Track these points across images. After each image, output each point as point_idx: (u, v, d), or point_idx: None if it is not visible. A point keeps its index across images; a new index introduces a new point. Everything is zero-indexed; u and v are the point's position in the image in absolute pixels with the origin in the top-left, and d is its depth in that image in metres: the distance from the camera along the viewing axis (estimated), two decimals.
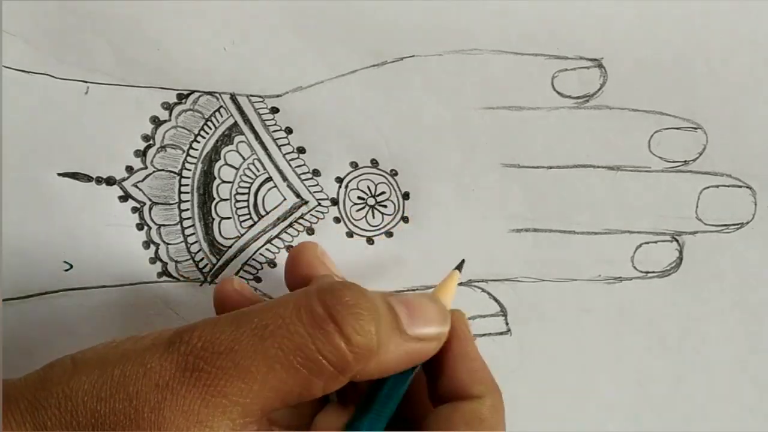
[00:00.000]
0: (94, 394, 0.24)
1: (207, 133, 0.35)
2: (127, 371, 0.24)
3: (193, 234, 0.36)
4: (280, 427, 0.28)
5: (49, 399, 0.25)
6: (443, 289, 0.31)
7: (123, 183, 0.35)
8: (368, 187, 0.36)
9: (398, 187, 0.36)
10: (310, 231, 0.36)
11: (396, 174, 0.36)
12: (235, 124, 0.35)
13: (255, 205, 0.36)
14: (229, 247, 0.36)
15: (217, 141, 0.35)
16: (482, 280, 0.37)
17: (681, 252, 0.36)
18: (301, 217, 0.36)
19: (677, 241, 0.36)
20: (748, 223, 0.36)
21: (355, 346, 0.25)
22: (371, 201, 0.36)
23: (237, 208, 0.36)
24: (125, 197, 0.35)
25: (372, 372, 0.26)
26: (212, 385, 0.24)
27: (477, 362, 0.29)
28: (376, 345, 0.26)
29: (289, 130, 0.36)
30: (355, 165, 0.36)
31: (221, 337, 0.25)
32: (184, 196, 0.36)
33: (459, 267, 0.33)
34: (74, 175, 0.35)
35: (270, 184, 0.36)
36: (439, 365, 0.29)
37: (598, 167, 0.36)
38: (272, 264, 0.36)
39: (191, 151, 0.35)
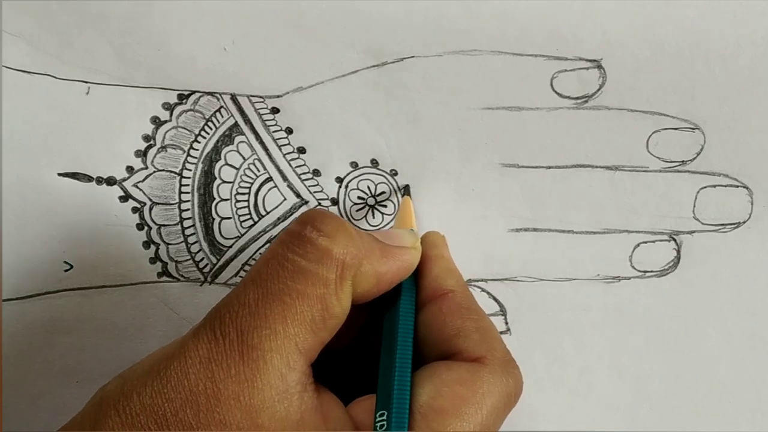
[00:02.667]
0: (147, 392, 0.25)
1: (207, 134, 0.35)
2: (171, 363, 0.25)
3: (194, 234, 0.36)
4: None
5: (107, 417, 0.25)
6: (401, 218, 0.34)
7: (123, 183, 0.35)
8: (368, 187, 0.36)
9: (398, 187, 0.36)
10: None
11: (396, 174, 0.36)
12: (236, 124, 0.35)
13: (255, 205, 0.36)
14: (230, 247, 0.36)
15: (217, 141, 0.35)
16: (482, 280, 0.37)
17: (679, 251, 0.37)
18: None
19: (675, 240, 0.37)
20: (744, 222, 0.36)
21: (336, 239, 0.27)
22: (371, 201, 0.36)
23: (237, 208, 0.36)
24: (125, 197, 0.35)
25: (369, 279, 0.28)
26: (243, 343, 0.25)
27: (450, 263, 0.32)
28: (358, 238, 0.28)
29: (289, 131, 0.36)
30: (355, 165, 0.36)
31: (236, 299, 0.26)
32: (184, 196, 0.36)
33: (407, 192, 0.35)
34: (74, 175, 0.35)
35: (270, 184, 0.36)
36: (420, 274, 0.32)
37: (597, 167, 0.36)
38: None
39: (192, 152, 0.35)
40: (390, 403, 0.26)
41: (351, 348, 0.31)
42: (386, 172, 0.36)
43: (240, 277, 0.36)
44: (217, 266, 0.36)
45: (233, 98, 0.35)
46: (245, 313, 0.26)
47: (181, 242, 0.36)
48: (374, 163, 0.36)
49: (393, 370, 0.28)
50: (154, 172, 0.35)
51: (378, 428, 0.26)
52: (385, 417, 0.26)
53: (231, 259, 0.36)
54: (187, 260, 0.36)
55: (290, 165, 0.36)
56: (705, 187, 0.36)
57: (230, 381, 0.25)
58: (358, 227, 0.36)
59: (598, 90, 0.35)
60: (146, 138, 0.35)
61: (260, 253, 0.36)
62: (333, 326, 0.27)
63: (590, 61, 0.34)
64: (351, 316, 0.28)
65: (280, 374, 0.25)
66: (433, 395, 0.27)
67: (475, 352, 0.29)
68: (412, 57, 0.35)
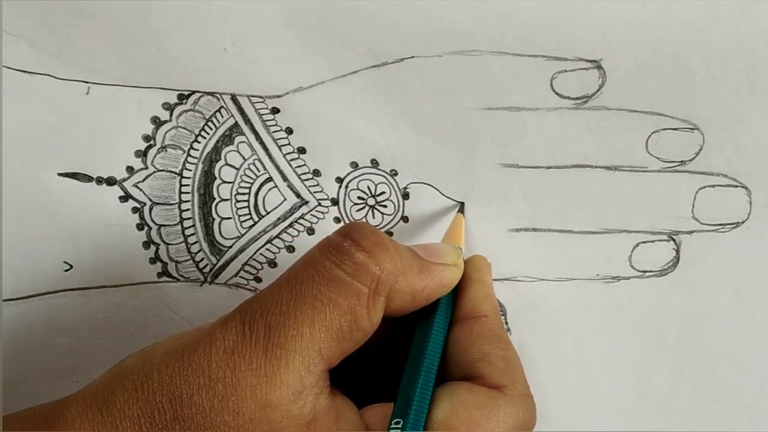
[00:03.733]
0: (168, 372, 0.26)
1: (208, 134, 0.35)
2: (197, 349, 0.26)
3: (194, 234, 0.36)
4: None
5: (123, 389, 0.26)
6: (451, 234, 0.34)
7: (123, 183, 0.35)
8: (368, 187, 0.36)
9: (398, 187, 0.36)
10: (311, 231, 0.36)
11: (396, 174, 0.36)
12: (236, 124, 0.35)
13: (255, 205, 0.36)
14: (230, 247, 0.36)
15: (217, 141, 0.35)
16: None
17: (678, 251, 0.37)
18: (301, 217, 0.36)
19: (674, 240, 0.37)
20: (743, 222, 0.36)
21: (374, 255, 0.27)
22: (371, 201, 0.36)
23: (237, 208, 0.36)
24: (126, 197, 0.35)
25: (404, 296, 0.28)
26: (269, 339, 0.26)
27: (490, 289, 0.33)
28: (396, 255, 0.28)
29: (289, 131, 0.36)
30: (355, 165, 0.36)
31: (268, 298, 0.27)
32: (184, 197, 0.36)
33: (461, 210, 0.35)
34: (74, 175, 0.35)
35: (270, 185, 0.36)
36: (458, 293, 0.32)
37: (597, 167, 0.36)
38: (272, 264, 0.36)
39: (192, 152, 0.35)
40: (407, 414, 0.27)
41: (371, 354, 0.31)
42: (386, 172, 0.36)
43: (240, 277, 0.36)
44: (217, 266, 0.36)
45: (233, 98, 0.35)
46: (276, 311, 0.26)
47: (181, 242, 0.36)
48: (374, 163, 0.36)
49: (416, 382, 0.28)
50: (154, 172, 0.35)
51: None
52: (400, 426, 0.26)
53: (231, 259, 0.36)
54: (187, 260, 0.36)
55: (290, 165, 0.36)
56: (704, 187, 0.36)
57: (250, 373, 0.25)
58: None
59: (598, 90, 0.35)
60: (146, 138, 0.35)
61: (261, 254, 0.36)
62: (359, 339, 0.27)
63: (590, 61, 0.34)
64: (376, 335, 0.28)
65: (299, 376, 0.26)
66: (449, 414, 0.27)
67: (497, 379, 0.29)
68: (412, 57, 0.35)
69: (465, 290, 0.32)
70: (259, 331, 0.26)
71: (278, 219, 0.36)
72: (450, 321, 0.31)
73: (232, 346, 0.26)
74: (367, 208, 0.36)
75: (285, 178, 0.36)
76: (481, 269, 0.33)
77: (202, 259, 0.36)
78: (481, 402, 0.28)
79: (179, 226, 0.36)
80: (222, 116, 0.35)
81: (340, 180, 0.36)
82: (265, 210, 0.36)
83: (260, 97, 0.35)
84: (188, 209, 0.36)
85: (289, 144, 0.36)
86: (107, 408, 0.25)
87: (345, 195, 0.36)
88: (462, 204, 0.36)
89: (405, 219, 0.36)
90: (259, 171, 0.36)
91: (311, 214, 0.36)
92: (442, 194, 0.36)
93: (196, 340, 0.26)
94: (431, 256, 0.30)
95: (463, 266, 0.32)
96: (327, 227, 0.36)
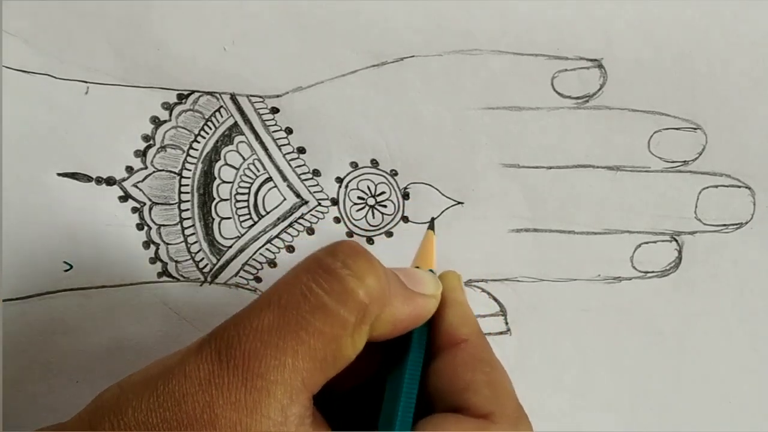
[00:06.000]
0: (143, 408, 0.24)
1: (207, 133, 0.35)
2: (170, 380, 0.25)
3: (193, 234, 0.36)
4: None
5: (101, 428, 0.25)
6: (423, 256, 0.33)
7: (123, 183, 0.35)
8: (368, 187, 0.36)
9: (398, 187, 0.36)
10: (310, 231, 0.36)
11: (396, 174, 0.36)
12: (236, 124, 0.35)
13: (255, 205, 0.36)
14: (229, 247, 0.36)
15: (217, 141, 0.35)
16: (482, 280, 0.37)
17: (680, 252, 0.37)
18: (301, 217, 0.36)
19: (676, 240, 0.36)
20: (746, 223, 0.36)
21: (364, 280, 0.26)
22: (371, 201, 0.36)
23: (237, 208, 0.36)
24: (125, 197, 0.35)
25: (386, 325, 0.27)
26: (248, 369, 0.24)
27: (466, 308, 0.31)
28: (385, 282, 0.27)
29: (289, 130, 0.36)
30: (355, 165, 0.36)
31: (247, 322, 0.25)
32: (184, 196, 0.36)
33: (431, 227, 0.35)
34: (74, 175, 0.35)
35: (270, 184, 0.36)
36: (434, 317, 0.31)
37: (598, 167, 0.36)
38: (272, 264, 0.36)
39: (191, 151, 0.35)
40: None
41: (354, 391, 0.31)
42: (386, 172, 0.36)
43: (240, 277, 0.36)
44: (217, 266, 0.36)
45: (233, 98, 0.35)
46: (256, 339, 0.25)
47: (181, 242, 0.36)
48: (374, 163, 0.36)
49: (395, 418, 0.27)
50: (154, 172, 0.35)
51: None
52: None
53: (231, 259, 0.36)
54: (187, 260, 0.36)
55: (290, 165, 0.36)
56: (707, 188, 0.36)
57: (229, 408, 0.24)
58: (359, 227, 0.36)
59: (599, 90, 0.35)
60: (146, 138, 0.35)
61: (261, 253, 0.36)
62: (341, 365, 0.27)
63: (591, 60, 0.34)
64: (358, 359, 0.27)
65: (281, 407, 0.25)
66: None
67: (484, 408, 0.28)
68: (412, 57, 0.34)
69: (441, 315, 0.31)
70: (237, 360, 0.25)
71: (278, 219, 0.36)
72: (431, 350, 0.30)
73: (207, 378, 0.24)
74: (367, 208, 0.36)
75: (285, 178, 0.36)
76: (454, 289, 0.32)
77: (202, 258, 0.36)
78: None
79: (179, 226, 0.36)
80: (221, 116, 0.35)
81: (339, 180, 0.36)
82: (264, 210, 0.36)
83: (260, 96, 0.35)
84: (188, 209, 0.36)
85: (288, 144, 0.36)
86: None
87: (345, 195, 0.36)
88: (432, 220, 0.36)
89: (405, 219, 0.36)
90: (258, 171, 0.36)
91: (311, 214, 0.36)
92: (442, 194, 0.36)
93: (170, 370, 0.25)
94: (414, 285, 0.29)
95: (440, 297, 0.30)
96: (327, 227, 0.36)
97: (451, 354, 0.30)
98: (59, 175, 0.35)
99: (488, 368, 0.29)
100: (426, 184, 0.36)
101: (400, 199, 0.36)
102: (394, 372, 0.29)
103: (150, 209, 0.36)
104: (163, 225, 0.36)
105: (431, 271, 0.32)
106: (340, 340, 0.26)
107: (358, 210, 0.36)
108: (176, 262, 0.36)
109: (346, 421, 0.29)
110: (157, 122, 0.35)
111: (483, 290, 0.37)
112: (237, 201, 0.36)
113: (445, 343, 0.30)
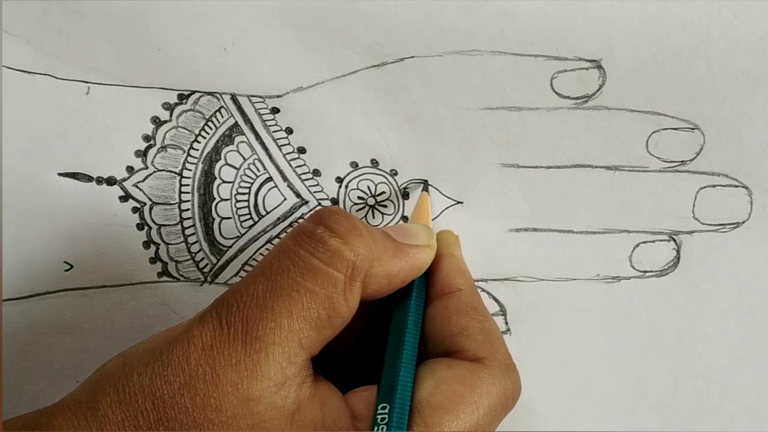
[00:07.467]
0: (148, 373, 0.25)
1: (207, 134, 0.35)
2: (174, 347, 0.26)
3: (194, 234, 0.36)
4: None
5: (105, 394, 0.26)
6: (418, 213, 0.34)
7: (123, 183, 0.35)
8: (368, 187, 0.36)
9: (398, 187, 0.36)
10: None
11: (396, 174, 0.36)
12: (236, 124, 0.35)
13: (255, 205, 0.36)
14: (230, 247, 0.36)
15: (217, 141, 0.36)
16: (482, 280, 0.37)
17: (678, 251, 0.37)
18: (301, 217, 0.36)
19: (675, 240, 0.37)
20: (744, 222, 0.36)
21: (348, 240, 0.27)
22: (371, 201, 0.36)
23: (237, 208, 0.36)
24: (126, 197, 0.35)
25: (380, 279, 0.28)
26: (247, 333, 0.25)
27: (461, 262, 0.33)
28: (370, 239, 0.27)
29: (289, 130, 0.36)
30: (355, 165, 0.36)
31: (243, 290, 0.26)
32: (184, 196, 0.36)
33: (425, 188, 0.35)
34: (74, 175, 0.35)
35: (270, 184, 0.36)
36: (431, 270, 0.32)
37: (597, 167, 0.36)
38: None
39: (192, 152, 0.35)
40: (393, 399, 0.27)
41: (352, 349, 0.31)
42: (386, 172, 0.36)
43: (240, 277, 0.36)
44: (217, 266, 0.36)
45: (233, 98, 0.35)
46: (252, 304, 0.26)
47: (181, 242, 0.36)
48: (374, 163, 0.36)
49: (398, 365, 0.28)
50: (154, 172, 0.35)
51: (379, 421, 0.26)
52: (387, 411, 0.26)
53: (231, 259, 0.36)
54: (187, 260, 0.36)
55: (290, 165, 0.36)
56: (704, 187, 0.36)
57: (230, 369, 0.25)
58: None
59: (598, 90, 0.35)
60: (146, 138, 0.35)
61: (261, 253, 0.36)
62: (338, 325, 0.27)
63: (590, 61, 0.34)
64: (355, 318, 0.28)
65: (281, 367, 0.25)
66: (431, 392, 0.27)
67: (476, 352, 0.29)
68: (412, 57, 0.35)
69: (437, 267, 0.32)
70: (236, 325, 0.26)
71: (278, 219, 0.36)
72: (425, 299, 0.31)
73: (210, 342, 0.25)
74: (367, 208, 0.36)
75: (285, 178, 0.36)
76: (451, 244, 0.33)
77: (202, 258, 0.36)
78: (463, 376, 0.28)
79: (179, 226, 0.36)
80: (222, 116, 0.35)
81: (340, 180, 0.36)
82: (265, 210, 0.36)
83: (260, 97, 0.35)
84: (188, 209, 0.36)
85: (289, 144, 0.36)
86: (92, 414, 0.25)
87: (345, 195, 0.36)
88: (425, 182, 0.36)
89: (405, 219, 0.36)
90: (259, 171, 0.36)
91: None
92: (442, 194, 0.36)
93: (174, 339, 0.26)
94: (404, 238, 0.30)
95: (435, 246, 0.31)
96: None
97: (445, 301, 0.30)
98: (60, 174, 0.35)
99: (481, 316, 0.30)
100: (426, 183, 0.36)
101: (400, 199, 0.36)
102: (395, 322, 0.30)
103: (150, 209, 0.36)
104: (164, 225, 0.36)
105: (429, 228, 0.32)
106: (332, 299, 0.26)
107: (358, 210, 0.36)
108: (176, 262, 0.36)
109: (349, 381, 0.30)
110: (157, 122, 0.35)
111: (483, 290, 0.37)
112: (237, 201, 0.36)
113: (439, 293, 0.31)
